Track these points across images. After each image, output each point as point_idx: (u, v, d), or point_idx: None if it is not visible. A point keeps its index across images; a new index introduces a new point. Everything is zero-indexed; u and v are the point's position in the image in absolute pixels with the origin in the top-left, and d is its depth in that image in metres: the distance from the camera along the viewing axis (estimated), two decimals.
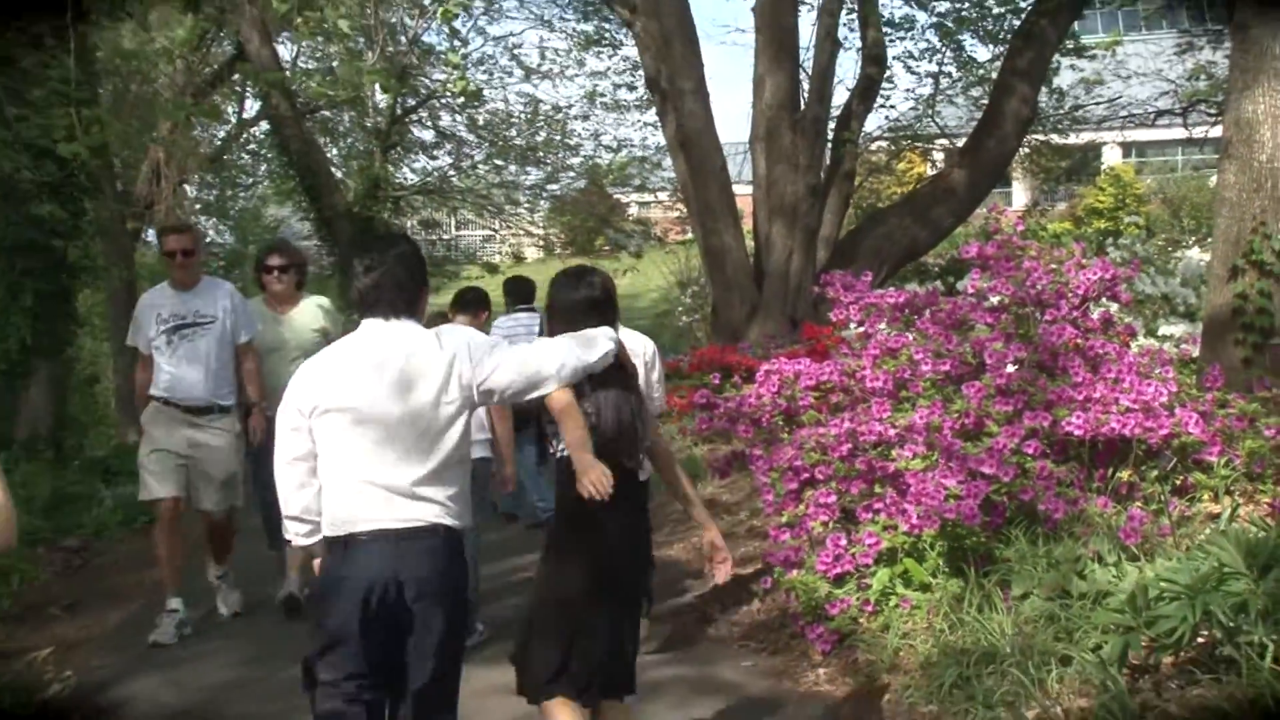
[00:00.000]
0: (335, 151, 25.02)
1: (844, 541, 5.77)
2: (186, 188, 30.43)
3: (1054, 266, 6.45)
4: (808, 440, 6.05)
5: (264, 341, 7.16)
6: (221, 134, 29.64)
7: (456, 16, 9.18)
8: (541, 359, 3.79)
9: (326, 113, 25.60)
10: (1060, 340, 6.11)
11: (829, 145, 16.12)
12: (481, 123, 22.60)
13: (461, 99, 19.89)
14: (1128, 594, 4.54)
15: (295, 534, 3.80)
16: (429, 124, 22.83)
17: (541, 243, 24.78)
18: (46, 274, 11.29)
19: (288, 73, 21.39)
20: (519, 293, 9.30)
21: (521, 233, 25.13)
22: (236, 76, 23.59)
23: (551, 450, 4.31)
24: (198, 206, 31.88)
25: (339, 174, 22.51)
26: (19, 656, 6.51)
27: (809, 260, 14.72)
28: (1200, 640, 4.46)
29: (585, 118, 22.62)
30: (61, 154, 8.47)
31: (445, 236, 27.62)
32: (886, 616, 5.61)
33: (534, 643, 4.12)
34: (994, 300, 6.47)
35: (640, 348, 4.66)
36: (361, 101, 20.37)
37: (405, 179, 22.68)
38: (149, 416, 6.91)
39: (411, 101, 21.75)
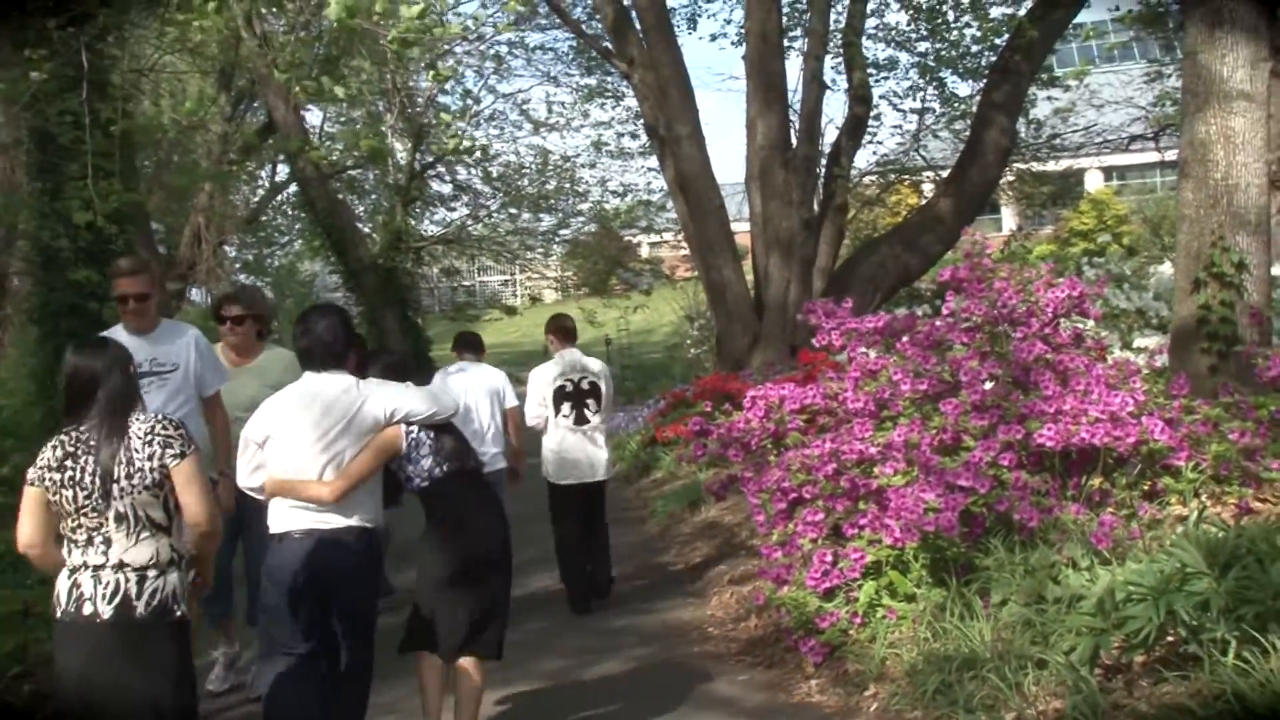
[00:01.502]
0: (361, 208, 25.20)
1: (830, 557, 5.70)
2: (227, 249, 30.74)
3: (1023, 286, 6.38)
4: (794, 461, 5.99)
5: None
6: (257, 197, 29.91)
7: (449, 79, 9.24)
8: (439, 399, 4.95)
9: (353, 172, 25.83)
10: (1031, 356, 6.04)
11: (821, 181, 16.11)
12: (495, 174, 22.73)
13: (476, 154, 20.04)
14: (1098, 597, 4.47)
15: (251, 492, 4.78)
16: (447, 178, 22.96)
17: (556, 285, 24.82)
18: (85, 336, 11.29)
19: (315, 136, 21.59)
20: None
21: (537, 276, 25.17)
22: (270, 141, 23.82)
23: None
24: (237, 265, 32.15)
25: (366, 228, 22.64)
26: None
27: (805, 290, 14.69)
28: (1168, 639, 4.38)
29: (592, 165, 22.75)
30: (76, 221, 8.44)
31: (466, 282, 27.69)
32: (874, 627, 5.53)
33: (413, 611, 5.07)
34: (969, 320, 6.41)
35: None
36: (382, 159, 20.48)
37: (426, 230, 22.77)
38: None
39: (430, 158, 21.85)
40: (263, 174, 28.23)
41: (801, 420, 6.54)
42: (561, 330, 7.66)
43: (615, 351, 29.19)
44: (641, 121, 17.77)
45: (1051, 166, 21.30)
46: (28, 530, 3.78)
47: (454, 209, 23.48)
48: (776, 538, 6.05)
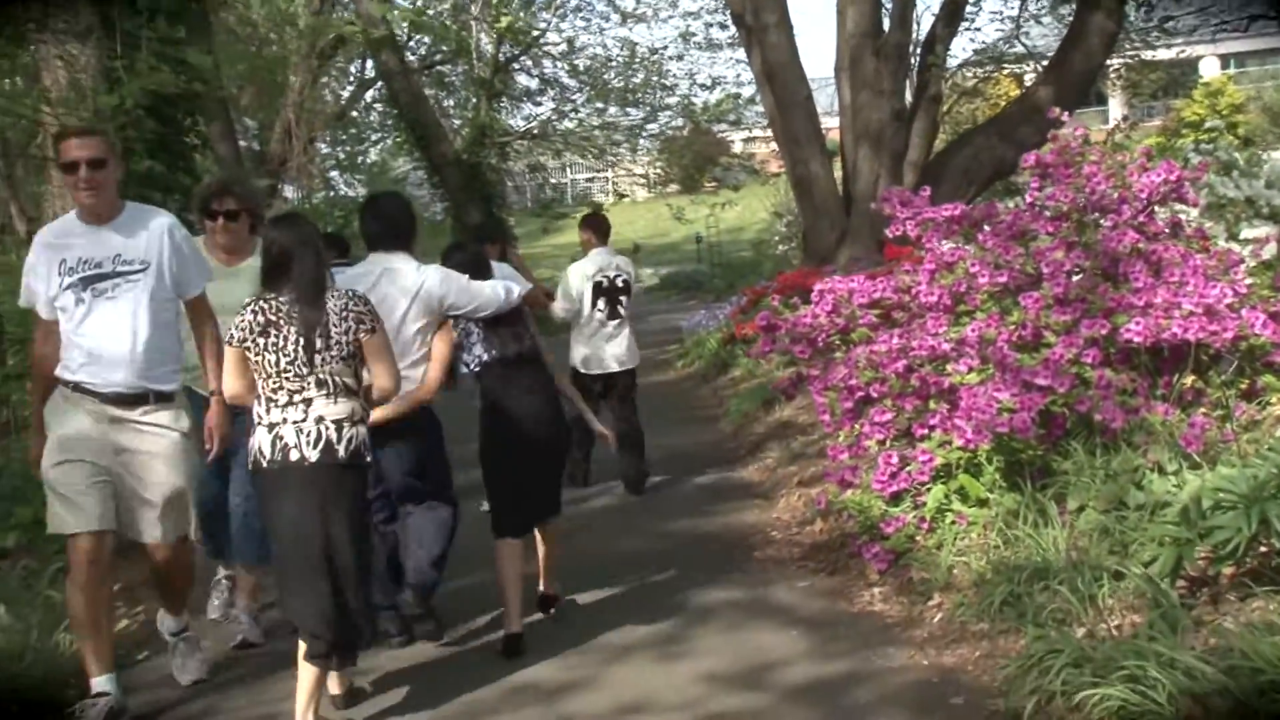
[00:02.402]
0: (451, 102, 24.88)
1: (897, 459, 5.36)
2: (319, 145, 30.71)
3: (1115, 171, 5.87)
4: (861, 358, 5.62)
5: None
6: (346, 92, 29.72)
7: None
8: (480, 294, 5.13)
9: (442, 68, 25.48)
10: (1121, 246, 5.56)
11: (915, 71, 15.44)
12: (581, 68, 22.19)
13: (536, 39, 19.41)
14: (1183, 504, 4.07)
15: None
16: (533, 72, 22.48)
17: (644, 181, 24.38)
18: None
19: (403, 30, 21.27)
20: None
21: (624, 172, 24.73)
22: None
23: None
24: (329, 163, 32.14)
25: (455, 124, 22.35)
26: None
27: (895, 183, 14.15)
28: (1260, 551, 3.99)
29: (680, 58, 22.09)
30: (100, 105, 7.94)
31: (554, 180, 27.35)
32: (942, 534, 5.20)
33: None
34: (1054, 208, 5.93)
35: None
36: (466, 53, 20.12)
37: (513, 126, 22.38)
38: (53, 409, 4.59)
39: (514, 50, 21.39)
40: (353, 69, 28.04)
41: (874, 316, 6.15)
42: (598, 229, 7.95)
43: (705, 249, 28.79)
44: (729, 10, 17.11)
45: (1163, 54, 20.11)
46: (235, 384, 4.22)
47: (540, 104, 23.02)
48: (843, 438, 5.72)
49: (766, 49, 14.80)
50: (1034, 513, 4.88)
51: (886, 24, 14.71)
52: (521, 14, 19.22)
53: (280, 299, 4.13)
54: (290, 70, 26.54)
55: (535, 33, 19.85)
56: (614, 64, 22.13)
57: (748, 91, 21.94)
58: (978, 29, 18.20)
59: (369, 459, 4.28)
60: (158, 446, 4.58)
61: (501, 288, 5.16)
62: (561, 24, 21.24)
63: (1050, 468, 5.08)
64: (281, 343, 4.08)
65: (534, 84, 22.79)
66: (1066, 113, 6.31)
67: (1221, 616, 3.88)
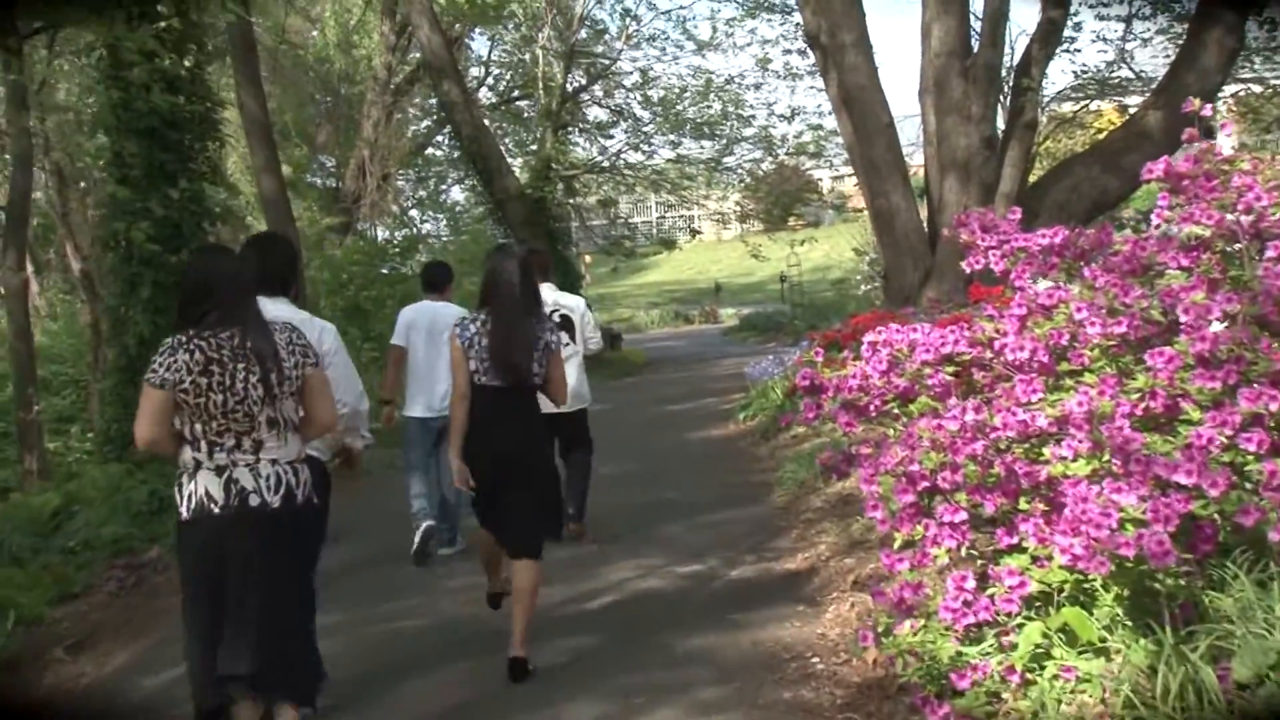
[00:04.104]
0: (511, 143, 23.77)
1: (973, 580, 3.75)
2: (399, 182, 29.86)
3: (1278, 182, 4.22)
4: (924, 433, 4.02)
5: None
6: (422, 128, 28.83)
7: None
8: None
9: (520, 103, 24.40)
10: None
11: (1007, 96, 13.84)
12: (655, 99, 20.77)
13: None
14: None
15: None
16: (604, 103, 21.13)
17: (719, 217, 22.91)
18: (164, 265, 9.81)
19: (482, 66, 20.16)
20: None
21: (699, 207, 23.28)
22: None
23: None
24: (405, 199, 31.25)
25: (518, 161, 21.14)
26: None
27: None
28: None
29: (758, 86, 20.60)
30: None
31: (631, 219, 25.94)
32: (1041, 693, 3.57)
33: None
34: (1189, 234, 4.28)
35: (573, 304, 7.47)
36: (533, 82, 18.87)
37: (578, 159, 21.01)
38: None
39: (583, 79, 20.09)
40: (432, 103, 27.08)
41: (946, 374, 4.53)
42: (536, 266, 6.95)
43: (787, 289, 27.15)
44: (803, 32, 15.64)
45: None
46: (154, 430, 3.78)
47: (610, 136, 21.62)
48: (900, 543, 4.12)
49: (844, 71, 13.37)
50: (1180, 671, 3.24)
51: (975, 43, 13.20)
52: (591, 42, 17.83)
53: (220, 334, 3.77)
54: (365, 107, 25.73)
55: (604, 61, 18.47)
56: (688, 94, 20.68)
57: (829, 123, 20.40)
58: (1077, 50, 16.38)
59: (316, 500, 4.09)
60: None
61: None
62: (635, 53, 19.83)
63: (1199, 605, 3.44)
64: (229, 381, 3.76)
65: (604, 115, 21.44)
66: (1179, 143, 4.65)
67: None
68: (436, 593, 6.42)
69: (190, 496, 3.82)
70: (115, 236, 9.81)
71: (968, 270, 4.62)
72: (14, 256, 14.17)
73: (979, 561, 4.07)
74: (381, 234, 26.13)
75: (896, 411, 4.39)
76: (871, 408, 4.40)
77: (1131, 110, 17.16)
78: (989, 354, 4.19)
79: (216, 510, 3.79)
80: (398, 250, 18.56)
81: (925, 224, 13.56)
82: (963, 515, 3.86)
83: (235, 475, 3.80)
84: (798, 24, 19.02)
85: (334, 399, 4.11)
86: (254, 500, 3.80)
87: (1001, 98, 14.03)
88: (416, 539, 7.02)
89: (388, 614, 6.07)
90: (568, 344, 6.95)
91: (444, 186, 29.51)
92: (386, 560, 7.19)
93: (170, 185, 9.64)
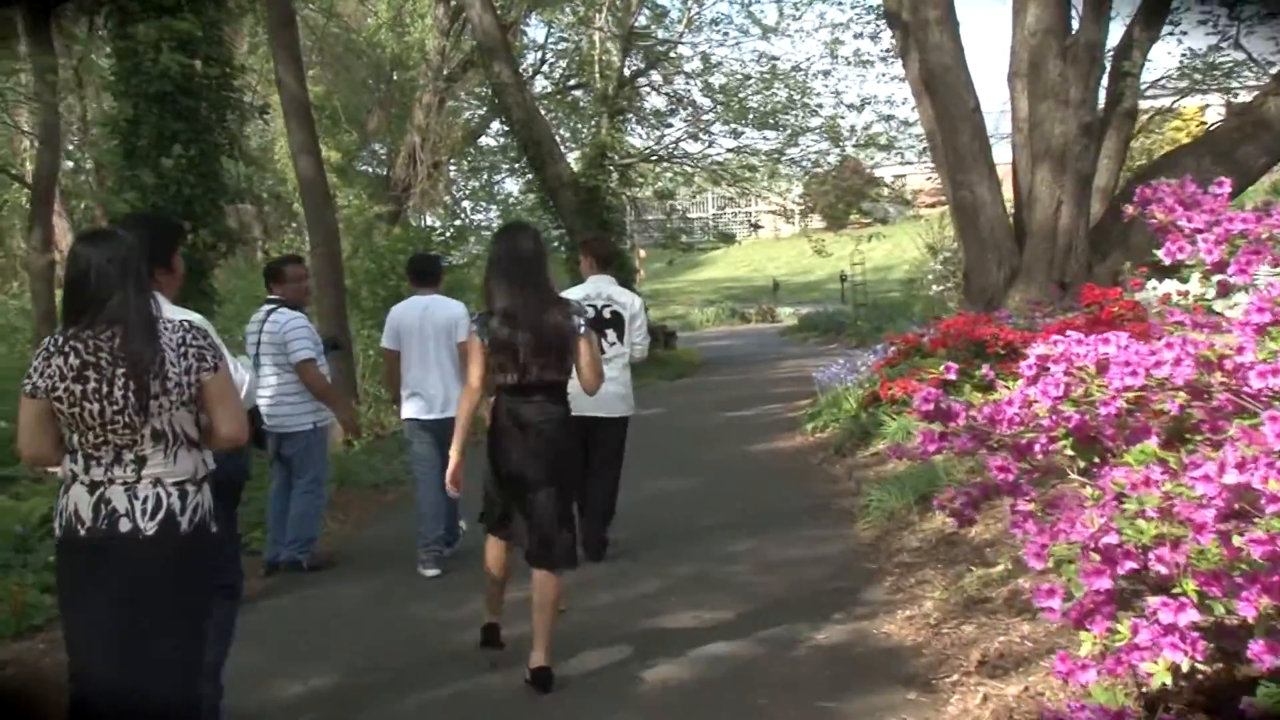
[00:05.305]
0: (579, 127, 22.71)
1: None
2: (451, 173, 28.90)
3: None
4: (1125, 488, 2.77)
5: None
6: (475, 115, 27.91)
7: None
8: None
9: (576, 92, 23.39)
10: None
11: (1103, 81, 12.49)
12: (716, 86, 19.50)
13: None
14: None
15: None
16: (661, 90, 19.89)
17: (782, 211, 21.62)
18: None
19: (539, 53, 19.09)
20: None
21: (762, 203, 22.03)
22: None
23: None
24: (459, 191, 30.31)
25: (574, 154, 20.05)
26: None
27: (1082, 213, 11.39)
28: None
29: (826, 73, 19.24)
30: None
31: (690, 214, 24.73)
32: None
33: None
34: None
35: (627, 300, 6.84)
36: (590, 66, 17.71)
37: (635, 147, 19.79)
38: None
39: (640, 63, 18.87)
40: (485, 90, 26.12)
41: (1123, 404, 3.25)
42: (597, 253, 7.00)
43: (849, 288, 25.85)
44: (882, 7, 14.34)
45: None
46: (37, 443, 3.35)
47: (670, 124, 20.36)
48: (1087, 647, 2.85)
49: (927, 50, 12.08)
50: None
51: (1075, 22, 11.87)
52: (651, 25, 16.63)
53: (100, 335, 3.28)
54: (417, 92, 24.78)
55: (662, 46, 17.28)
56: (752, 81, 19.38)
57: (900, 113, 19.05)
58: (1184, 32, 14.88)
59: (214, 528, 3.47)
60: None
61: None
62: (696, 37, 18.57)
63: None
64: (106, 388, 3.27)
65: (662, 103, 20.20)
66: None
67: None
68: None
69: (61, 513, 3.36)
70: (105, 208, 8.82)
71: (1167, 260, 3.37)
72: (39, 236, 13.42)
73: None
74: (432, 224, 25.21)
75: (1072, 456, 3.14)
76: (1039, 450, 3.15)
77: (1234, 101, 15.70)
78: (1216, 379, 2.92)
79: (83, 533, 3.30)
80: (443, 239, 17.53)
81: (1011, 218, 12.25)
82: (1193, 615, 2.60)
83: (108, 494, 3.29)
84: (869, 7, 17.77)
85: (240, 408, 3.53)
86: (124, 525, 3.27)
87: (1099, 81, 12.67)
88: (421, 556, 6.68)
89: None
90: (614, 343, 6.67)
91: (498, 177, 28.56)
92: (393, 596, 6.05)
93: (167, 156, 8.56)
